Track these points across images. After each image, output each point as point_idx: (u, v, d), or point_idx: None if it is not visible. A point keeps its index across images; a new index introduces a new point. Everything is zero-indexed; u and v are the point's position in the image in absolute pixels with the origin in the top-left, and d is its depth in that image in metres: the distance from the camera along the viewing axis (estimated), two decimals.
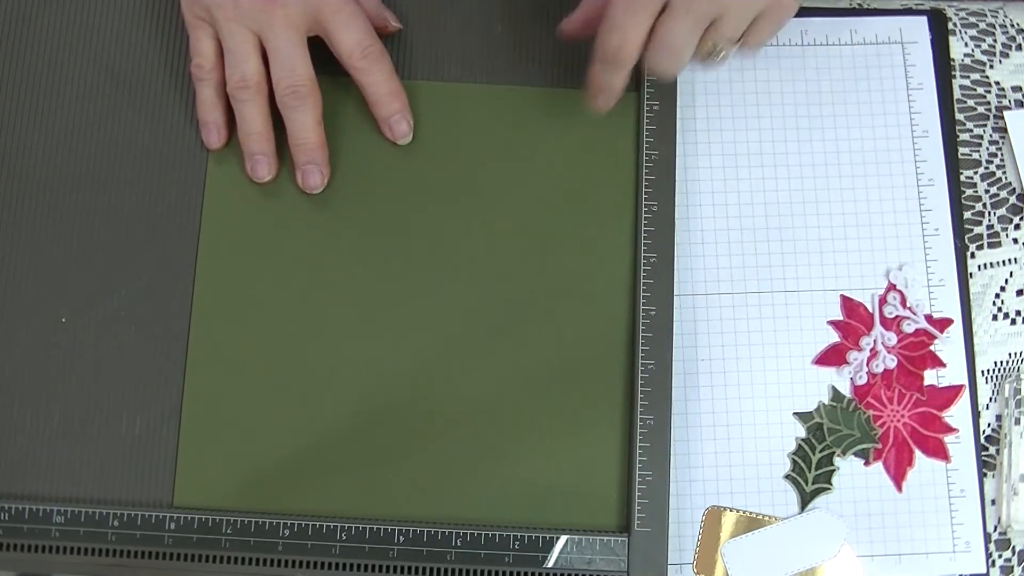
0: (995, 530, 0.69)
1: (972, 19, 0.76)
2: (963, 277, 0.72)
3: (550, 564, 0.66)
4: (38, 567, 0.66)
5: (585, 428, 0.68)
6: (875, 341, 0.71)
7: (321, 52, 0.74)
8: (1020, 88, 0.75)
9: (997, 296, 0.72)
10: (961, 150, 0.74)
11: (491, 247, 0.71)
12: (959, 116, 0.74)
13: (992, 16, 0.76)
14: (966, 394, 0.70)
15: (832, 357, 0.71)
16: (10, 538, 0.66)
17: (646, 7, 0.64)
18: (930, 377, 0.71)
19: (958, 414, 0.70)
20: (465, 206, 0.72)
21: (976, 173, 0.74)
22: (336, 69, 0.73)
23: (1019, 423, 0.70)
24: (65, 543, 0.66)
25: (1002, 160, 0.74)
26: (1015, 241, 0.73)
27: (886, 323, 0.71)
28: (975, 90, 0.75)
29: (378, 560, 0.65)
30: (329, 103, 0.72)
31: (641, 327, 0.68)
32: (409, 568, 0.65)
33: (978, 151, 0.74)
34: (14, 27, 0.74)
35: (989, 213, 0.73)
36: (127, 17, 0.74)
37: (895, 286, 0.72)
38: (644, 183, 0.70)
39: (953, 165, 0.73)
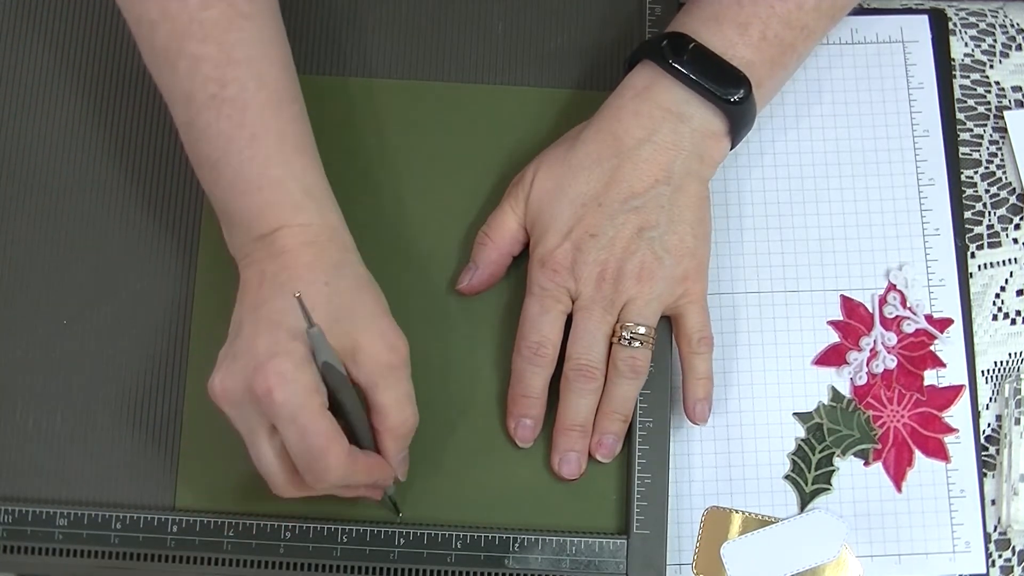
0: (995, 530, 0.69)
1: (972, 19, 0.76)
2: (963, 277, 0.72)
3: (549, 567, 0.66)
4: (41, 569, 0.66)
5: None
6: (875, 341, 0.71)
7: (318, 52, 0.74)
8: (1020, 88, 0.75)
9: (997, 296, 0.72)
10: (961, 150, 0.74)
11: None
12: (959, 116, 0.74)
13: (992, 16, 0.76)
14: (966, 394, 0.70)
15: (832, 357, 0.71)
16: (13, 540, 0.66)
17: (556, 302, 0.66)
18: (930, 377, 0.71)
19: (958, 414, 0.70)
20: (465, 206, 0.72)
21: (976, 173, 0.74)
22: (336, 70, 0.73)
23: (1019, 423, 0.70)
24: (68, 545, 0.66)
25: (1002, 160, 0.74)
26: (1015, 241, 0.73)
27: (886, 323, 0.71)
28: (975, 90, 0.75)
29: (379, 562, 0.66)
30: (330, 103, 0.72)
31: None
32: (410, 570, 0.66)
33: (978, 151, 0.74)
34: (13, 29, 0.74)
35: (989, 213, 0.73)
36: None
37: (895, 286, 0.72)
38: None
39: (953, 165, 0.73)
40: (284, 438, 0.58)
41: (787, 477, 0.69)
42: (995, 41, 0.75)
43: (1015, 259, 0.73)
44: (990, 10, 0.76)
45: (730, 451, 0.70)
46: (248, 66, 0.62)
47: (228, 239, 0.65)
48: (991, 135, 0.74)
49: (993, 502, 0.70)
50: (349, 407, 0.60)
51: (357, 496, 0.64)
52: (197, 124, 0.63)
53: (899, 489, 0.69)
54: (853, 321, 0.71)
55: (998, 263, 0.73)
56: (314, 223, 0.63)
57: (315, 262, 0.61)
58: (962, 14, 0.76)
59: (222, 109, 0.62)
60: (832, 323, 0.71)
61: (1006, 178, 0.74)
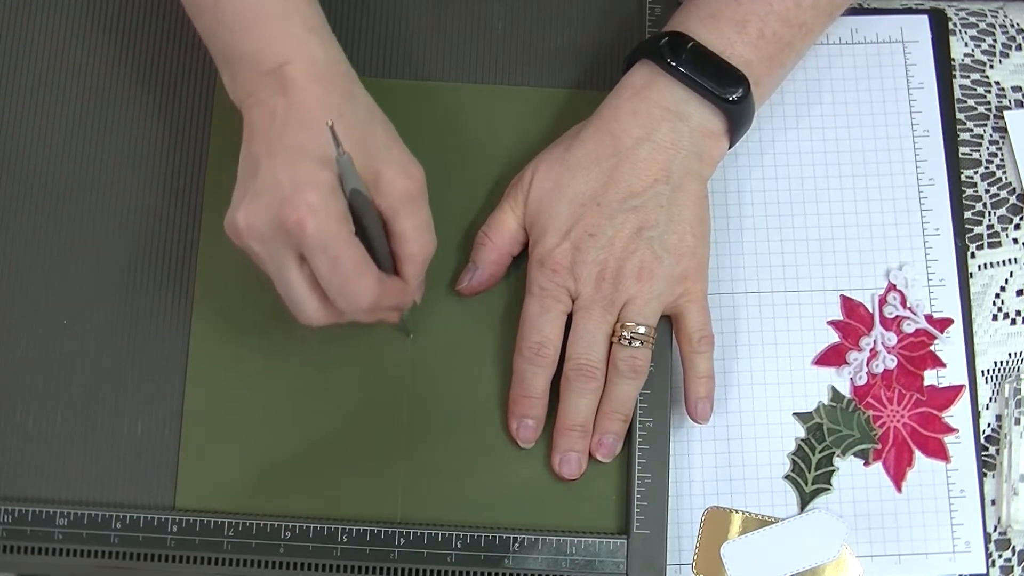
0: (995, 530, 0.69)
1: (972, 19, 0.76)
2: (963, 277, 0.72)
3: (549, 567, 0.66)
4: (41, 569, 0.66)
5: None
6: (875, 341, 0.71)
7: None
8: (1020, 88, 0.75)
9: (997, 296, 0.72)
10: (961, 150, 0.74)
11: None
12: (959, 116, 0.74)
13: (992, 16, 0.76)
14: (966, 394, 0.70)
15: (832, 357, 0.71)
16: (13, 540, 0.66)
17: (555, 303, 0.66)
18: (930, 377, 0.71)
19: (958, 414, 0.70)
20: (465, 206, 0.72)
21: (976, 173, 0.74)
22: None
23: (1019, 423, 0.70)
24: (67, 545, 0.66)
25: (1002, 160, 0.74)
26: (1015, 241, 0.73)
27: (886, 323, 0.71)
28: (975, 90, 0.75)
29: (379, 562, 0.66)
30: None
31: None
32: (410, 570, 0.66)
33: (978, 151, 0.74)
34: (14, 28, 0.74)
35: (989, 213, 0.73)
36: (127, 17, 0.74)
37: (895, 286, 0.72)
38: None
39: (953, 165, 0.73)
40: (315, 268, 0.59)
41: (787, 477, 0.69)
42: (995, 41, 0.75)
43: (1015, 259, 0.73)
44: (990, 10, 0.76)
45: (730, 451, 0.70)
46: None
47: (230, 85, 0.64)
48: (991, 135, 0.74)
49: (993, 502, 0.70)
50: (373, 233, 0.61)
51: (378, 320, 0.64)
52: None
53: (899, 489, 0.69)
54: (853, 321, 0.71)
55: (998, 263, 0.73)
56: (319, 57, 0.62)
57: (325, 96, 0.62)
58: (962, 14, 0.76)
59: None
60: (832, 323, 0.71)
61: (1006, 178, 0.74)
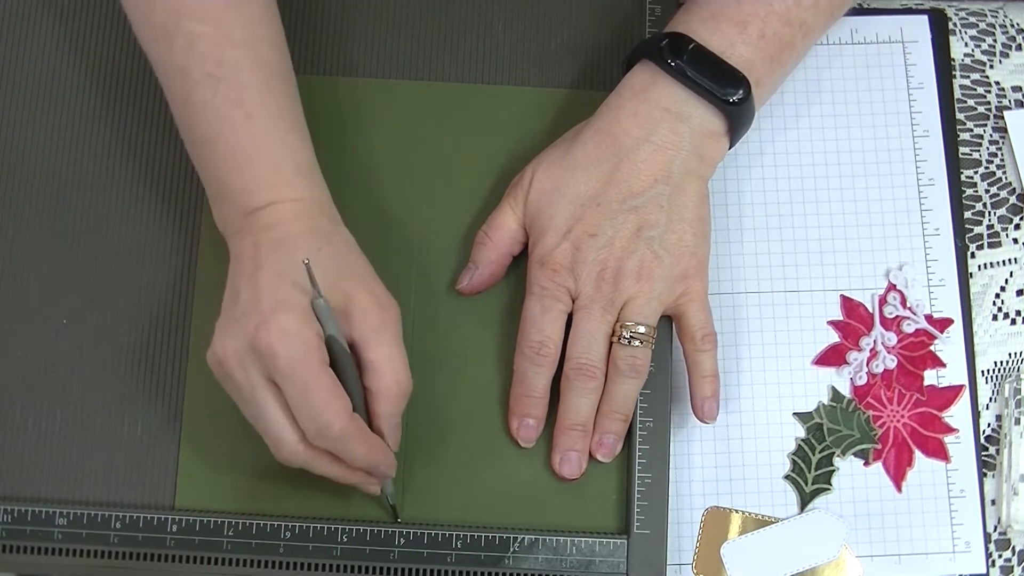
0: (995, 530, 0.69)
1: (972, 19, 0.76)
2: (963, 277, 0.72)
3: (549, 567, 0.66)
4: (40, 569, 0.66)
5: None
6: (875, 341, 0.71)
7: (319, 52, 0.74)
8: (1020, 88, 0.75)
9: (997, 296, 0.72)
10: (961, 150, 0.74)
11: None
12: (959, 116, 0.74)
13: (992, 16, 0.76)
14: (966, 394, 0.70)
15: (832, 357, 0.71)
16: (12, 540, 0.66)
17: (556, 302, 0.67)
18: (930, 377, 0.71)
19: (958, 414, 0.70)
20: (465, 206, 0.72)
21: (976, 173, 0.74)
22: (337, 70, 0.73)
23: (1019, 423, 0.70)
24: (67, 545, 0.66)
25: (1002, 160, 0.74)
26: (1015, 241, 0.73)
27: (886, 323, 0.71)
28: (975, 90, 0.75)
29: (379, 562, 0.66)
30: (331, 103, 0.72)
31: None
32: (410, 570, 0.66)
33: (978, 151, 0.74)
34: (14, 27, 0.74)
35: (989, 213, 0.73)
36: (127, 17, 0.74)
37: (895, 286, 0.72)
38: None
39: (953, 165, 0.73)
40: (287, 395, 0.59)
41: (787, 477, 0.69)
42: (995, 41, 0.75)
43: (1015, 259, 0.73)
44: (990, 10, 0.76)
45: (730, 451, 0.70)
46: (245, 47, 0.64)
47: (217, 213, 0.65)
48: (991, 135, 0.74)
49: (993, 502, 0.70)
50: (348, 376, 0.61)
51: (354, 482, 0.64)
52: (193, 100, 0.63)
53: (899, 489, 0.69)
54: (853, 321, 0.71)
55: (998, 263, 0.73)
56: (305, 198, 0.64)
57: (308, 232, 0.63)
58: (962, 14, 0.76)
59: (219, 88, 0.63)
60: (832, 323, 0.71)
61: (1006, 178, 0.74)
